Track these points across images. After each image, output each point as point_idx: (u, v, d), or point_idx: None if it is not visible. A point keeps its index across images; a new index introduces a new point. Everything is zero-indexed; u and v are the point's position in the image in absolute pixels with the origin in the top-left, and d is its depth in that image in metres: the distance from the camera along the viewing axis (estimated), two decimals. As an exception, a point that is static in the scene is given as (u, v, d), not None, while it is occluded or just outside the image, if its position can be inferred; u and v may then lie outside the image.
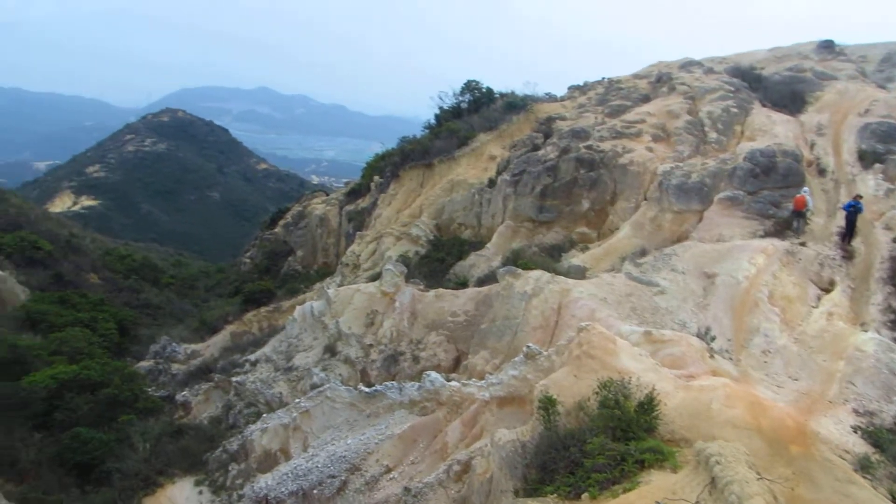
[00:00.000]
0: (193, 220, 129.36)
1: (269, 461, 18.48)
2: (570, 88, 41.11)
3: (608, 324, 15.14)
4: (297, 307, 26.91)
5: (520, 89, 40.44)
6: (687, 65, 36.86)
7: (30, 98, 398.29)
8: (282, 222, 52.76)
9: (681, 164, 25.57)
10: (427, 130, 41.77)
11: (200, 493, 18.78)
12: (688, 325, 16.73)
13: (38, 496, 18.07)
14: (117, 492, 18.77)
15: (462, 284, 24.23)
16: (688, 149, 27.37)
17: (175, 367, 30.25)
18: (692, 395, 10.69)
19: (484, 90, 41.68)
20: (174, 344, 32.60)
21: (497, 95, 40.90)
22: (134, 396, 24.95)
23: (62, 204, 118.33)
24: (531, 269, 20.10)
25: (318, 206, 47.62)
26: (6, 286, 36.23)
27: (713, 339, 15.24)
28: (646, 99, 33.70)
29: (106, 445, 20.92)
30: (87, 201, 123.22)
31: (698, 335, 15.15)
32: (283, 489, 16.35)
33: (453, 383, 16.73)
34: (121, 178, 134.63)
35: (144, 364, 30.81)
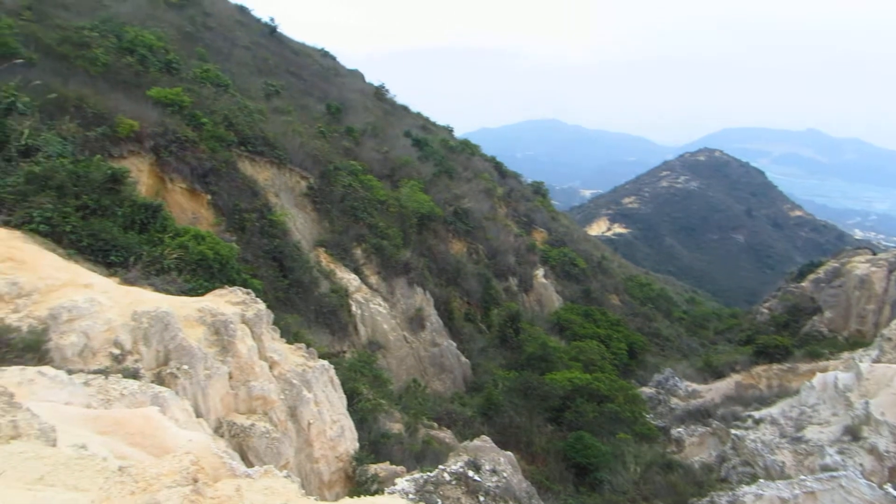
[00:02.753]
0: (712, 260, 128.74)
1: (759, 531, 16.90)
2: None
3: None
4: (818, 374, 23.95)
5: None
6: None
7: (586, 134, 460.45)
8: (811, 277, 47.81)
9: None
10: None
11: (682, 535, 18.44)
12: None
13: (542, 480, 20.49)
14: (605, 502, 19.90)
15: None
16: None
17: (674, 402, 30.51)
18: None
19: None
20: (676, 378, 32.90)
21: None
22: (633, 418, 26.12)
23: (598, 228, 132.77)
24: None
25: (859, 265, 41.54)
26: (547, 293, 42.42)
27: None
28: None
29: (603, 456, 22.43)
30: (618, 228, 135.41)
31: None
32: (772, 569, 14.72)
33: None
34: (650, 211, 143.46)
35: (646, 390, 31.97)
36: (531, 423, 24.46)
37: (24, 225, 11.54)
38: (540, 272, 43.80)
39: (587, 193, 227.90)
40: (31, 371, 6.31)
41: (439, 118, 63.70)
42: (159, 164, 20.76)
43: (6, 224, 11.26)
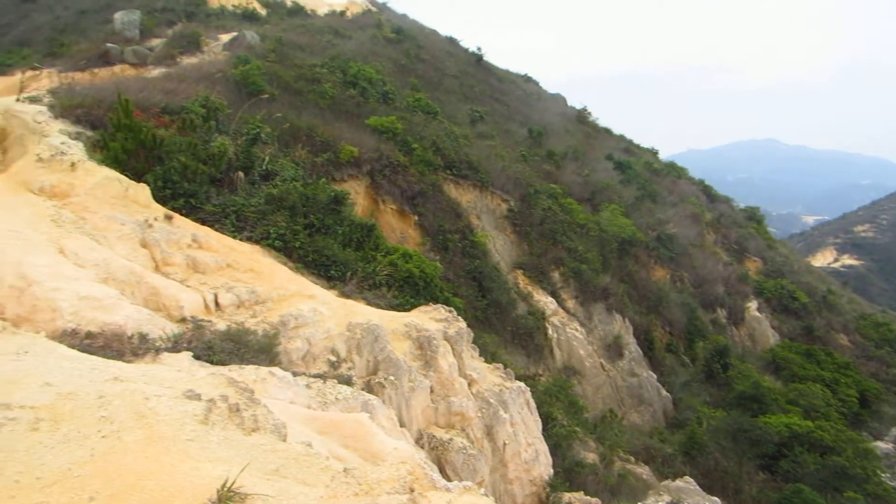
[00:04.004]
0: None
1: None
2: None
3: None
4: None
5: None
6: None
7: (812, 155, 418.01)
8: None
9: None
10: None
11: None
12: None
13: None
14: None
15: None
16: None
17: (919, 462, 26.28)
18: None
19: None
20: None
21: None
22: (865, 475, 22.87)
23: (823, 259, 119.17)
24: None
25: None
26: (761, 327, 38.89)
27: None
28: None
29: (825, 515, 19.92)
30: (847, 260, 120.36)
31: None
32: None
33: None
34: (889, 241, 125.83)
35: (882, 445, 27.94)
36: (740, 468, 22.42)
37: (263, 240, 13.05)
38: (753, 304, 40.27)
39: (810, 220, 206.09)
40: (263, 371, 7.04)
41: (643, 140, 61.61)
42: (374, 186, 22.44)
43: (249, 239, 12.81)
